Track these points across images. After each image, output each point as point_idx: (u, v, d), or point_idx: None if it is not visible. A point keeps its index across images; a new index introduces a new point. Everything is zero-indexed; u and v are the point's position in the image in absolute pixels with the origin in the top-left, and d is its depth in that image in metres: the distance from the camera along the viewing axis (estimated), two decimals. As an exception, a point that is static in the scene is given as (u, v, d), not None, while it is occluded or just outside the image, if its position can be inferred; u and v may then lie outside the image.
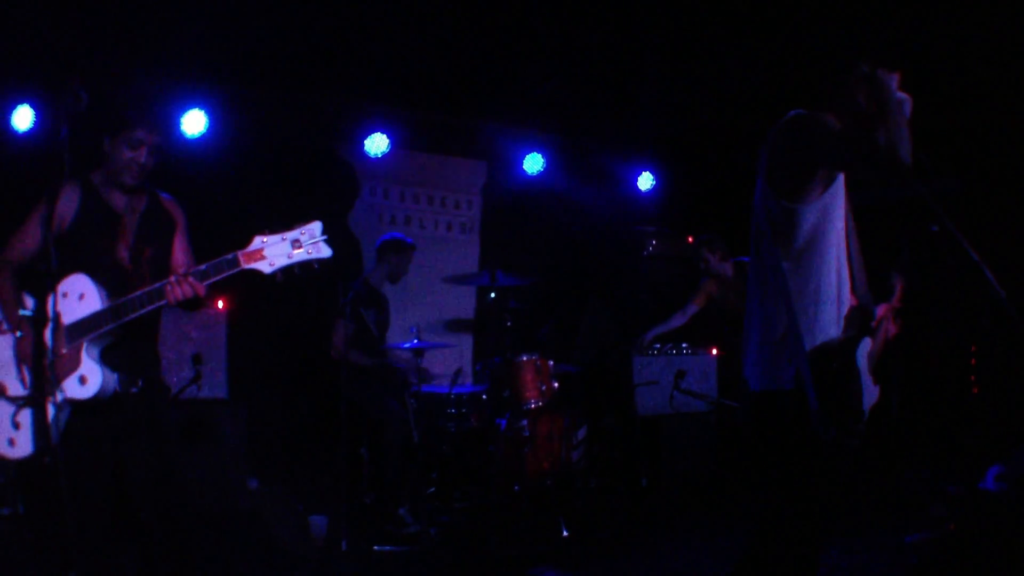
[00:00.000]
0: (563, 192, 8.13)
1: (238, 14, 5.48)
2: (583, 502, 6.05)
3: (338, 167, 7.32)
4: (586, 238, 8.41)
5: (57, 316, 3.09)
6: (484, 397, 6.43)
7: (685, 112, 7.60)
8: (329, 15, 5.74)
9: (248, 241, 3.02)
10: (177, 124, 6.19)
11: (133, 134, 3.28)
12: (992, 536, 4.27)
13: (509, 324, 6.11)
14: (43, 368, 2.71)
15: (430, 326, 7.31)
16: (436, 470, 6.19)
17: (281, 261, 2.99)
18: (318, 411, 6.53)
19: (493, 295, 6.37)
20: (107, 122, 3.31)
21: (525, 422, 5.90)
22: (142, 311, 3.10)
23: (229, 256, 3.04)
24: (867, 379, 2.78)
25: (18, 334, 3.20)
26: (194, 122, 6.24)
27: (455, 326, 7.74)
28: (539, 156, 7.87)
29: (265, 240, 3.00)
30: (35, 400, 2.66)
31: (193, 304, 3.14)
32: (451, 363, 7.16)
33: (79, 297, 3.14)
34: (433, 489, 6.14)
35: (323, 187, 7.09)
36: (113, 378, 3.15)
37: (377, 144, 7.14)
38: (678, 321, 7.03)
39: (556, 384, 6.16)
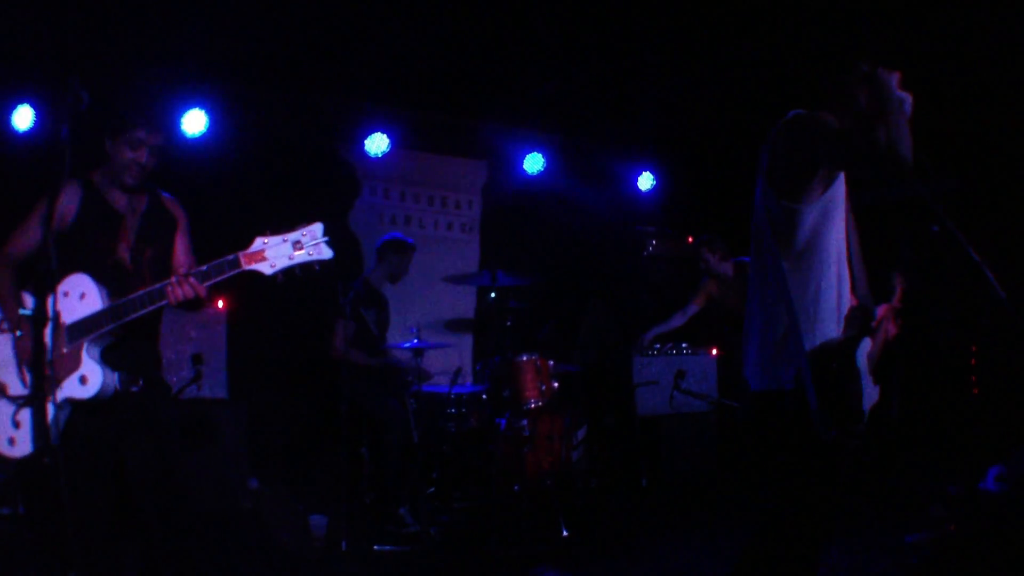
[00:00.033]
0: (563, 192, 8.12)
1: (238, 14, 5.48)
2: (583, 502, 6.05)
3: (338, 167, 7.32)
4: (586, 238, 8.41)
5: (57, 315, 3.09)
6: (484, 397, 6.43)
7: (685, 112, 7.60)
8: (329, 15, 5.74)
9: (249, 242, 3.02)
10: (177, 124, 6.19)
11: (134, 135, 3.28)
12: (992, 536, 4.27)
13: (509, 324, 6.11)
14: (43, 367, 2.71)
15: (430, 326, 7.30)
16: (436, 470, 6.19)
17: (282, 262, 2.99)
18: (318, 411, 6.53)
19: (493, 295, 6.36)
20: (108, 123, 3.31)
21: (525, 422, 5.90)
22: (143, 311, 3.10)
23: (230, 257, 3.04)
24: (867, 379, 2.78)
25: (18, 333, 3.21)
26: (194, 122, 6.25)
27: (455, 326, 7.74)
28: (539, 156, 7.87)
29: (266, 241, 3.00)
30: (35, 400, 2.66)
31: (194, 305, 3.14)
32: (451, 363, 7.16)
33: (80, 297, 3.14)
34: (433, 489, 6.14)
35: (323, 187, 7.09)
36: (114, 378, 3.15)
37: (377, 144, 7.14)
38: (678, 321, 7.04)
39: (556, 384, 6.16)
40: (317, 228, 3.00)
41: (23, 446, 3.16)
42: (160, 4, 5.40)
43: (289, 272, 3.01)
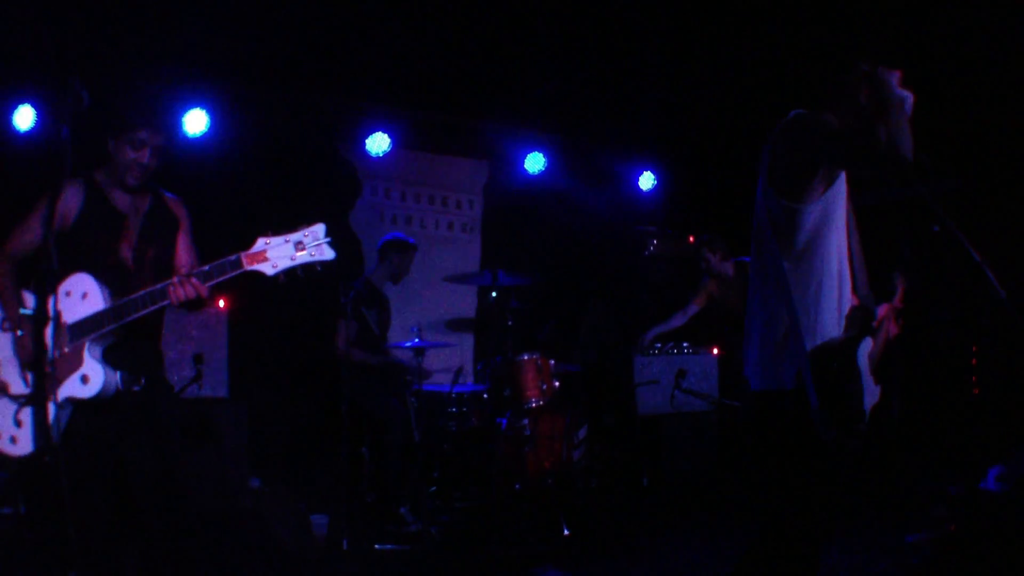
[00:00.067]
0: (564, 192, 8.13)
1: (239, 14, 5.49)
2: (584, 501, 6.05)
3: (339, 166, 7.32)
4: (587, 238, 8.42)
5: (58, 315, 3.09)
6: (485, 396, 6.44)
7: (686, 112, 7.60)
8: (330, 15, 5.75)
9: (251, 242, 3.02)
10: (179, 123, 6.20)
11: (136, 135, 3.28)
12: (993, 536, 4.26)
13: (510, 323, 6.10)
14: (43, 367, 2.71)
15: (431, 325, 7.31)
16: (437, 469, 6.20)
17: (284, 263, 2.99)
18: (319, 410, 6.54)
19: (494, 294, 6.35)
20: (111, 123, 3.31)
21: (526, 421, 5.90)
22: (144, 311, 3.10)
23: (232, 257, 3.04)
24: (868, 379, 2.78)
25: (19, 333, 3.21)
26: (195, 121, 6.25)
27: (456, 325, 7.74)
28: (540, 156, 7.87)
29: (268, 242, 3.00)
30: (36, 399, 2.67)
31: (196, 305, 3.14)
32: (452, 362, 7.17)
33: (82, 296, 3.15)
34: (434, 488, 6.15)
35: (324, 186, 7.09)
36: (115, 377, 3.15)
37: (378, 144, 7.14)
38: (679, 321, 7.04)
39: (557, 383, 6.16)
40: (319, 229, 3.00)
41: (25, 445, 3.16)
42: (160, 4, 5.40)
43: (291, 273, 3.01)
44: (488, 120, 7.70)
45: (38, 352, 2.69)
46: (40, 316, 2.63)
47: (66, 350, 3.11)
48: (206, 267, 3.08)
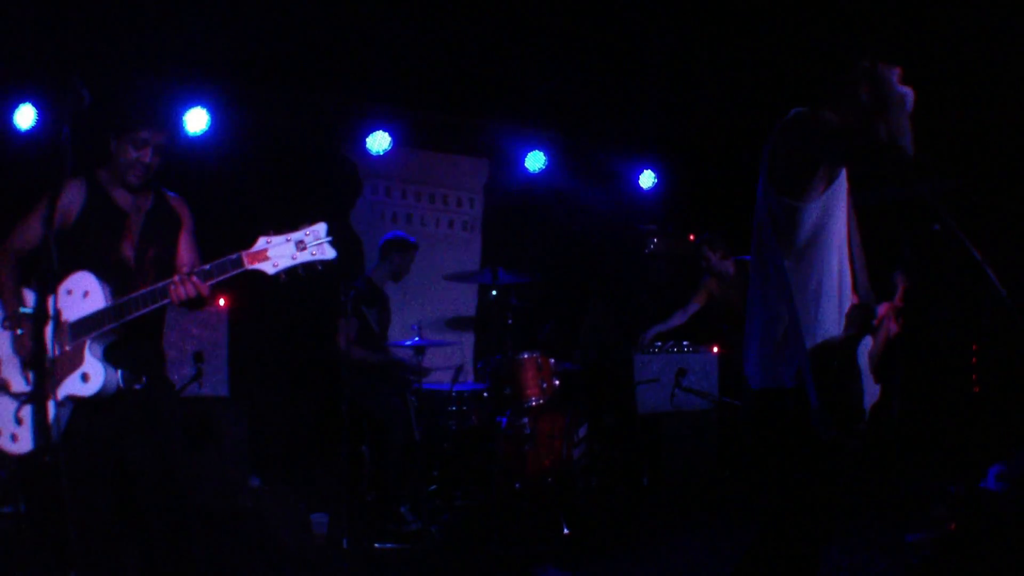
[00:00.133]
0: (565, 190, 8.13)
1: (240, 13, 5.49)
2: (584, 500, 6.05)
3: (340, 165, 7.32)
4: (588, 236, 8.42)
5: (59, 313, 3.09)
6: (485, 395, 6.43)
7: (686, 110, 7.60)
8: (331, 14, 5.75)
9: (252, 241, 3.02)
10: (179, 122, 6.19)
11: (138, 134, 3.28)
12: (993, 536, 4.26)
13: (510, 322, 6.11)
14: (44, 365, 2.71)
15: (431, 324, 7.31)
16: (437, 468, 6.20)
17: (285, 262, 2.99)
18: (319, 409, 6.54)
19: (495, 293, 6.35)
20: (113, 122, 3.31)
21: (526, 420, 5.90)
22: (145, 310, 3.10)
23: (233, 256, 3.04)
24: (868, 378, 2.78)
25: (19, 332, 3.21)
26: (196, 120, 6.25)
27: (457, 324, 7.74)
28: (541, 154, 7.87)
29: (269, 241, 3.00)
30: (36, 397, 2.66)
31: (197, 303, 3.14)
32: (452, 361, 7.16)
33: (83, 295, 3.15)
34: (434, 487, 6.14)
35: (325, 185, 7.09)
36: (116, 376, 3.16)
37: (379, 142, 7.14)
38: (679, 319, 7.04)
39: (557, 382, 6.16)
40: (320, 228, 3.00)
41: (25, 443, 3.16)
42: (161, 3, 5.40)
43: (292, 272, 3.01)
44: (489, 119, 7.70)
45: (37, 350, 2.69)
46: (40, 314, 2.63)
47: (67, 348, 3.11)
48: (207, 266, 3.08)
